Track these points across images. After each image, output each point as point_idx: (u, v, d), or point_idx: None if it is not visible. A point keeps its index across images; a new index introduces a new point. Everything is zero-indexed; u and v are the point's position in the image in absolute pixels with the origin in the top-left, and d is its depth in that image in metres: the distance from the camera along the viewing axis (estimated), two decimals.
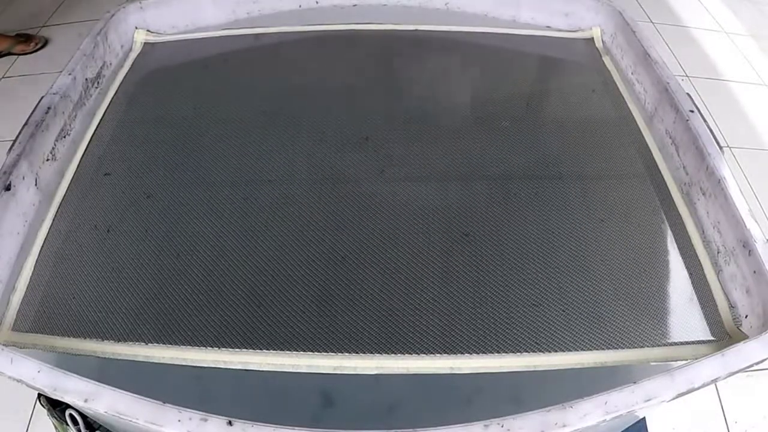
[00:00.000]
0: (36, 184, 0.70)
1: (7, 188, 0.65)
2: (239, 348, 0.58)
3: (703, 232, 0.69)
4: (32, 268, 0.65)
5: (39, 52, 1.98)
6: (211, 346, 0.58)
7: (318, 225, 0.69)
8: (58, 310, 0.61)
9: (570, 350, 0.58)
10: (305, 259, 0.65)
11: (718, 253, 0.66)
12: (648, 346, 0.59)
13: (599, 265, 0.66)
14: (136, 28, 0.98)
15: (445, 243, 0.67)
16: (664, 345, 0.59)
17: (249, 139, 0.80)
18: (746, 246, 0.61)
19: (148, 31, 0.99)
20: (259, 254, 0.66)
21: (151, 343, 0.58)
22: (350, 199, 0.72)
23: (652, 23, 2.06)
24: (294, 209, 0.71)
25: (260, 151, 0.78)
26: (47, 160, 0.74)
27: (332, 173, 0.75)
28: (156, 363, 0.57)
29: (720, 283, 0.65)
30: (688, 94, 0.78)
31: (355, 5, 0.96)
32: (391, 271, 0.64)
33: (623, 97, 0.88)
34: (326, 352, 0.57)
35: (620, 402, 0.48)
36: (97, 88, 0.88)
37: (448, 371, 0.57)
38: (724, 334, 0.60)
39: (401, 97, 0.86)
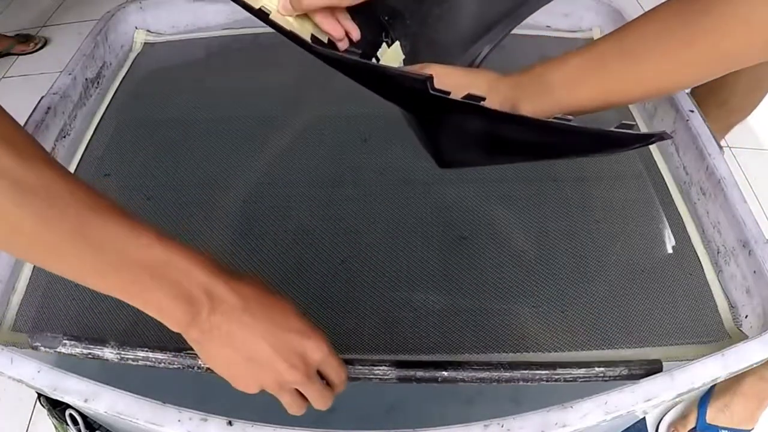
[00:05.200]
0: None
1: None
2: None
3: (703, 232, 0.69)
4: (32, 268, 0.65)
5: (39, 52, 1.98)
6: None
7: (318, 227, 0.69)
8: (58, 311, 0.61)
9: (570, 350, 0.58)
10: (305, 261, 0.65)
11: (718, 253, 0.66)
12: (648, 346, 0.59)
13: (598, 266, 0.66)
14: (136, 28, 0.98)
15: (443, 245, 0.67)
16: (664, 345, 0.59)
17: (248, 140, 0.80)
18: (746, 246, 0.61)
19: (148, 31, 0.99)
20: (259, 256, 0.66)
21: (152, 345, 0.57)
22: (349, 201, 0.72)
23: None
24: (293, 211, 0.71)
25: (260, 152, 0.78)
26: None
27: (332, 175, 0.75)
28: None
29: (720, 283, 0.65)
30: (688, 94, 0.78)
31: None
32: (390, 273, 0.64)
33: None
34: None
35: (620, 402, 0.48)
36: (97, 88, 0.88)
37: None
38: (724, 334, 0.60)
39: None
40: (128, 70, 0.93)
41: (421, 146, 0.60)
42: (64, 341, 0.52)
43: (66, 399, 0.49)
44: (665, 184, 0.75)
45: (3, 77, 1.89)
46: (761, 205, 1.43)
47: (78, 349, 0.53)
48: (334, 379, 0.46)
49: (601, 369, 0.53)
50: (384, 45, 0.63)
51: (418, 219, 0.70)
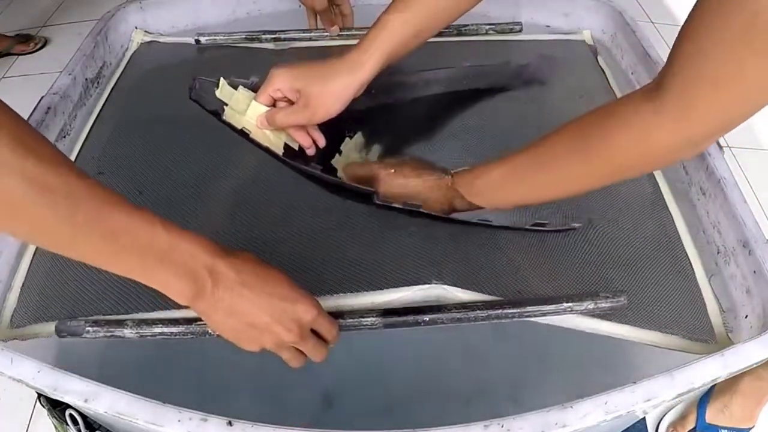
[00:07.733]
0: None
1: None
2: None
3: (703, 232, 0.69)
4: (29, 265, 0.65)
5: (39, 52, 1.98)
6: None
7: (317, 225, 0.69)
8: (57, 309, 0.61)
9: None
10: (305, 258, 0.65)
11: (717, 253, 0.66)
12: (646, 329, 0.59)
13: (597, 265, 0.65)
14: (136, 28, 0.98)
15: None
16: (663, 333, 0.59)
17: (248, 140, 0.80)
18: (746, 246, 0.61)
19: (147, 31, 0.99)
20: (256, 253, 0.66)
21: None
22: (349, 201, 0.72)
23: (652, 23, 2.07)
24: (292, 211, 0.70)
25: (260, 152, 0.78)
26: None
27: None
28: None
29: (720, 283, 0.65)
30: None
31: (353, 6, 0.96)
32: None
33: None
34: (322, 294, 0.59)
35: (620, 402, 0.48)
36: (97, 88, 0.88)
37: (434, 301, 0.60)
38: (723, 334, 0.60)
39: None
40: (128, 71, 0.92)
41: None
42: (87, 328, 0.55)
43: (66, 399, 0.49)
44: (664, 183, 0.75)
45: (3, 77, 1.89)
46: (761, 205, 1.43)
47: (101, 333, 0.55)
48: (326, 335, 0.53)
49: (569, 304, 0.57)
50: (347, 138, 0.76)
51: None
